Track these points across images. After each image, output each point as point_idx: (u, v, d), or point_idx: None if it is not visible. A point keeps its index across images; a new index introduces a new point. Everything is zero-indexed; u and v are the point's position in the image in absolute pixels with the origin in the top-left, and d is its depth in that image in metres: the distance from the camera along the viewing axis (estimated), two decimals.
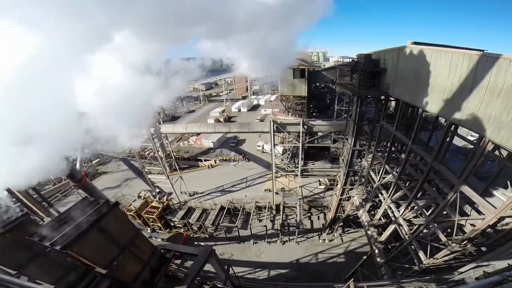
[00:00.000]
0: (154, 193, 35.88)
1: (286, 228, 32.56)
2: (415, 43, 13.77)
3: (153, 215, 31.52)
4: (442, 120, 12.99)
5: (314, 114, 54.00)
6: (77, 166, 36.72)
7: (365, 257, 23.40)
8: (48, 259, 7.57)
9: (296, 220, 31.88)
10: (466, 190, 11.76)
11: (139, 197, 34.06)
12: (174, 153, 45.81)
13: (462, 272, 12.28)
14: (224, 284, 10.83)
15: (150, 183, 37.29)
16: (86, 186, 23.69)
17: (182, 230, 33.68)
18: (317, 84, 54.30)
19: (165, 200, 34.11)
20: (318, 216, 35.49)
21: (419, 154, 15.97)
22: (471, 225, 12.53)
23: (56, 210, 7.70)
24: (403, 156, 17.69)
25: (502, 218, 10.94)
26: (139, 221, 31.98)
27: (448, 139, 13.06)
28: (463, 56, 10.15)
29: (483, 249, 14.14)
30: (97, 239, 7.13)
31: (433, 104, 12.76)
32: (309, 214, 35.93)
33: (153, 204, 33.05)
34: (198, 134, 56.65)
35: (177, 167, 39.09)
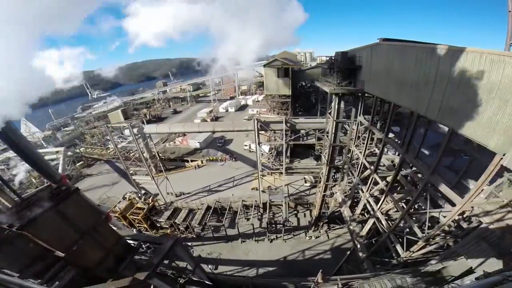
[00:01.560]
0: (139, 195, 35.45)
1: (273, 226, 32.73)
2: (385, 39, 14.12)
3: (138, 216, 31.18)
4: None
5: (300, 113, 54.52)
6: (60, 169, 35.94)
7: (348, 252, 23.71)
8: (12, 246, 7.52)
9: (282, 218, 32.08)
10: (436, 181, 12.14)
11: (124, 198, 33.62)
12: (160, 154, 45.36)
13: (432, 264, 12.68)
14: (193, 274, 10.87)
15: (135, 184, 36.83)
16: None
17: (168, 231, 33.38)
18: (303, 83, 54.77)
19: (150, 201, 33.77)
20: (304, 214, 35.79)
21: (393, 147, 16.37)
22: (444, 217, 12.91)
23: (20, 198, 7.65)
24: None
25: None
26: (124, 223, 31.52)
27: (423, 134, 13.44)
28: (426, 50, 10.51)
29: (460, 241, 14.53)
30: (55, 222, 7.19)
31: (402, 97, 13.14)
32: (295, 212, 36.22)
33: (139, 205, 32.67)
34: (184, 134, 56.30)
35: (162, 168, 38.69)
